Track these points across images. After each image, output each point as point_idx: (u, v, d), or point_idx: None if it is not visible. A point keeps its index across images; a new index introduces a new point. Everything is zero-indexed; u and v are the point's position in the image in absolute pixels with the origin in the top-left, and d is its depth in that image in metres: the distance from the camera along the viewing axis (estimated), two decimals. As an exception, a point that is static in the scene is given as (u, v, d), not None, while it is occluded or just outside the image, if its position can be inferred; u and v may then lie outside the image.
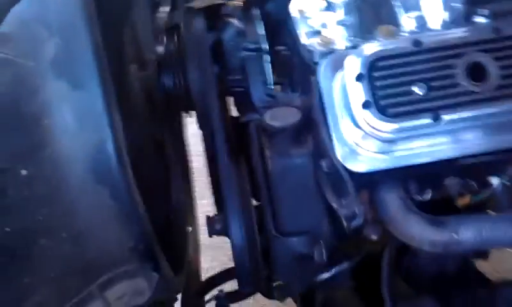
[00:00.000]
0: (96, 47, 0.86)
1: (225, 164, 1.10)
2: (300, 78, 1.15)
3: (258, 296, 1.27)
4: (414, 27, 1.09)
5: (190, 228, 1.37)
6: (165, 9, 1.35)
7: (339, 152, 1.00)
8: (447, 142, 0.99)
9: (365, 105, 0.96)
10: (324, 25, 1.11)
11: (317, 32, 1.11)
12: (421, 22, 1.09)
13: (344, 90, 1.01)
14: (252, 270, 1.07)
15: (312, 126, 1.05)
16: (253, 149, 1.10)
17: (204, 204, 1.48)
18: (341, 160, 0.99)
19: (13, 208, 0.86)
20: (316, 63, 1.06)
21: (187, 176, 1.44)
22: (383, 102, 0.97)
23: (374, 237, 1.01)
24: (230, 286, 1.30)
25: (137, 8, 1.20)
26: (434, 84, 0.98)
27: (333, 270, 1.07)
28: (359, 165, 0.99)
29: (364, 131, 0.98)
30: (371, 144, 0.99)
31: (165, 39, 1.25)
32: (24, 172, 0.85)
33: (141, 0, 1.25)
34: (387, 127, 0.97)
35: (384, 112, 0.97)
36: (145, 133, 1.17)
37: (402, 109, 0.97)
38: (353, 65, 0.99)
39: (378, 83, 0.97)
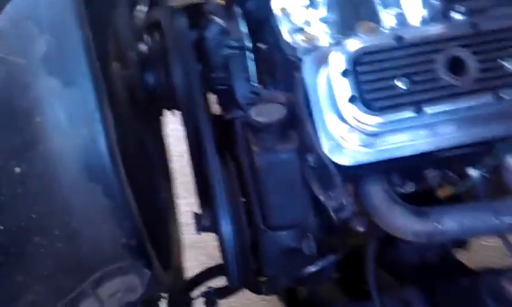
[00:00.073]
0: (87, 43, 0.86)
1: (213, 160, 1.10)
2: (283, 75, 1.16)
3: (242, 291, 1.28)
4: (394, 24, 1.12)
5: (172, 227, 1.37)
6: (142, 8, 1.34)
7: (325, 146, 1.02)
8: (428, 135, 1.02)
9: (351, 100, 0.98)
10: (306, 23, 1.13)
11: (300, 29, 1.13)
12: (401, 19, 1.12)
13: (329, 85, 1.02)
14: (242, 265, 1.08)
15: (296, 122, 1.07)
16: (239, 145, 1.11)
17: (181, 204, 1.49)
18: (327, 154, 1.01)
19: (6, 206, 0.85)
20: (300, 60, 1.07)
21: (168, 175, 1.44)
22: (368, 96, 0.99)
23: (361, 229, 1.03)
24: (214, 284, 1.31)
25: (120, 7, 1.19)
26: (416, 78, 1.00)
27: (321, 264, 1.08)
28: (344, 159, 1.01)
29: (350, 125, 1.00)
30: (356, 138, 1.01)
31: (146, 37, 1.24)
32: (17, 169, 0.84)
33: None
34: (372, 121, 0.99)
35: (369, 106, 0.99)
36: (129, 132, 1.16)
37: (386, 102, 1.00)
38: (338, 61, 1.01)
39: (363, 78, 0.99)
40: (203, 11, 1.24)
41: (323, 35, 1.12)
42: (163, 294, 1.17)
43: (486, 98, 1.01)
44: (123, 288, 0.91)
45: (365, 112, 0.99)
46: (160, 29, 1.22)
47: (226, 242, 1.07)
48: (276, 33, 1.14)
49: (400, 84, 1.00)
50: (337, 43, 1.07)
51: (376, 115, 0.99)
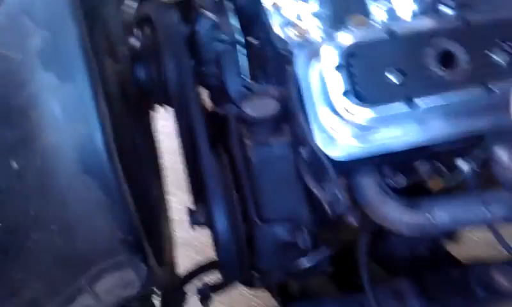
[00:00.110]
0: (83, 38, 0.86)
1: (206, 154, 1.10)
2: (275, 70, 1.17)
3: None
4: (385, 18, 1.13)
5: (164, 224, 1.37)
6: (131, 2, 1.34)
7: (318, 139, 1.03)
8: (420, 128, 1.03)
9: (345, 93, 0.99)
10: (298, 17, 1.14)
11: (291, 23, 1.13)
12: (391, 12, 1.13)
13: (321, 79, 1.03)
14: (237, 259, 1.08)
15: (289, 116, 1.07)
16: (232, 140, 1.11)
17: (173, 201, 1.49)
18: (320, 147, 1.02)
19: (5, 202, 0.85)
20: (292, 53, 1.08)
21: (159, 171, 1.43)
22: (360, 90, 1.00)
23: (354, 222, 1.04)
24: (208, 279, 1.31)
25: (109, 1, 1.19)
26: (408, 71, 1.01)
27: (315, 257, 1.09)
28: (337, 151, 1.02)
29: (342, 118, 1.01)
30: (349, 131, 1.01)
31: (137, 31, 1.24)
32: (15, 165, 0.83)
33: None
34: (365, 113, 1.00)
35: (361, 99, 1.00)
36: (121, 127, 1.16)
37: (378, 95, 1.00)
38: (331, 55, 1.02)
39: (356, 72, 1.00)
40: (193, 5, 1.24)
41: (314, 29, 1.12)
42: (156, 290, 1.17)
43: (476, 91, 1.02)
44: (120, 283, 0.91)
45: (357, 104, 0.99)
46: (151, 23, 1.21)
47: (220, 236, 1.07)
48: (267, 27, 1.14)
49: (392, 77, 1.01)
50: (329, 37, 1.08)
51: (368, 108, 1.00)
